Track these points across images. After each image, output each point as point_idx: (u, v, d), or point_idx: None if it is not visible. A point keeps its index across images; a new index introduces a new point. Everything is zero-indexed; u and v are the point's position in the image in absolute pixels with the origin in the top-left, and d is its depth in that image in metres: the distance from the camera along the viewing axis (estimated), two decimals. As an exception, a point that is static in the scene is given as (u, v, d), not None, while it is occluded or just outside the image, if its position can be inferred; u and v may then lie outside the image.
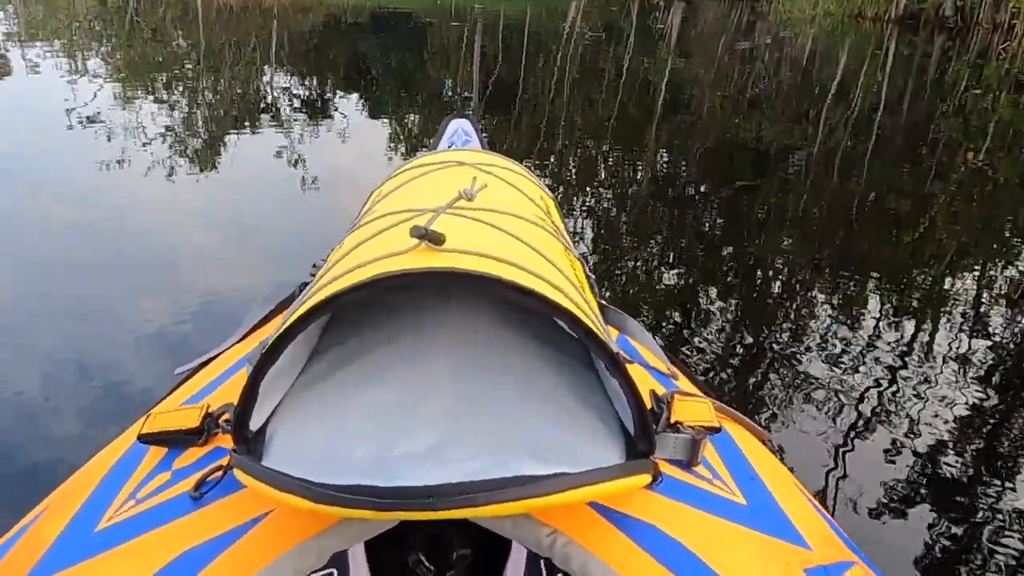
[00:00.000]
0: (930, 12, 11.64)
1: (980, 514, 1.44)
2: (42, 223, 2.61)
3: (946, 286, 2.59)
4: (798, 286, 2.54)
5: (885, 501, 1.44)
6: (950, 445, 1.63)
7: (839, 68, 7.73)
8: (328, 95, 5.33)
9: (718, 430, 0.67)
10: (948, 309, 2.39)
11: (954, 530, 1.38)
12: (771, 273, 2.66)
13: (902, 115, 5.64)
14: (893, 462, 1.56)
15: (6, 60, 5.47)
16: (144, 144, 3.60)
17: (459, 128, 1.81)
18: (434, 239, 0.57)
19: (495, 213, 0.73)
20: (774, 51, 8.99)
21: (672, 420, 0.65)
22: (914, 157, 4.40)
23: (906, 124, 5.34)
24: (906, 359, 2.02)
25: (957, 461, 1.58)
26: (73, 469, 0.70)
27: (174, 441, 0.65)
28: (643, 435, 0.57)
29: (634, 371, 0.76)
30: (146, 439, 0.65)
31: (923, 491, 1.48)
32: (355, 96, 5.31)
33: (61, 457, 1.42)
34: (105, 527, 0.57)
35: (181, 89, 5.06)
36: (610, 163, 4.07)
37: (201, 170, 3.30)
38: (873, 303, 2.40)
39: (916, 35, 10.75)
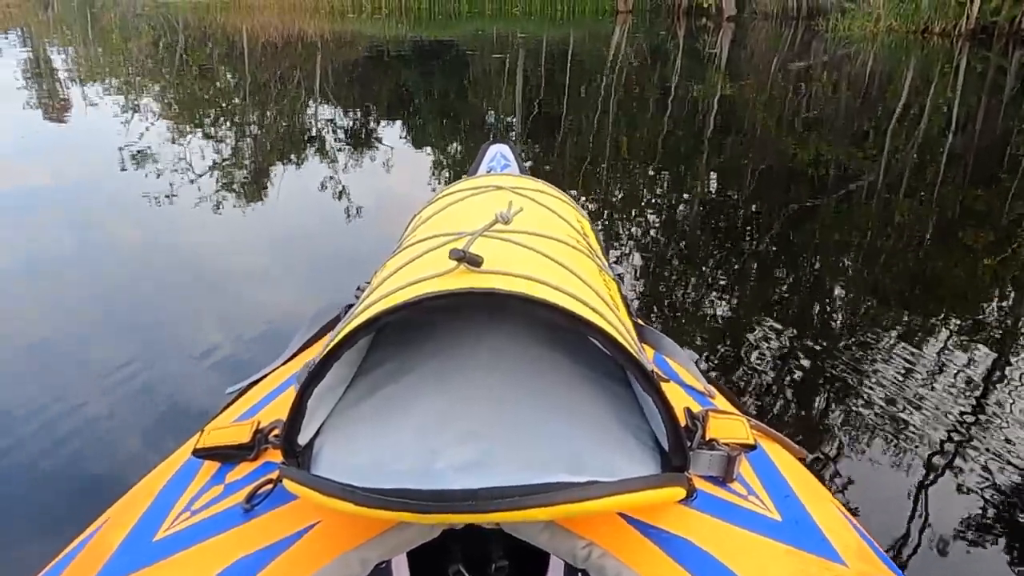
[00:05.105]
0: (1004, 25, 10.94)
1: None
2: (104, 251, 2.76)
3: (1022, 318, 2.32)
4: (856, 314, 2.33)
5: (929, 526, 1.40)
6: (1007, 483, 1.52)
7: (904, 87, 7.26)
8: (372, 125, 5.37)
9: (753, 447, 0.67)
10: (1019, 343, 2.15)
11: (1002, 561, 1.33)
12: (827, 300, 2.45)
13: (975, 135, 5.18)
14: (944, 491, 1.50)
15: (67, 100, 5.69)
16: (196, 176, 3.71)
17: (498, 153, 1.80)
18: (472, 261, 0.59)
19: (531, 235, 0.74)
20: (832, 71, 8.54)
21: (707, 437, 0.66)
22: (990, 179, 4.00)
23: (980, 145, 4.89)
24: (972, 394, 1.85)
25: (1011, 500, 1.48)
26: (133, 482, 0.73)
27: (227, 456, 0.68)
28: (677, 450, 0.58)
29: (669, 389, 0.78)
30: (200, 454, 0.68)
31: (970, 521, 1.42)
32: (398, 126, 5.35)
33: (121, 468, 1.50)
34: (162, 537, 0.60)
35: (229, 124, 5.22)
36: (657, 189, 3.87)
37: (251, 200, 3.41)
38: (940, 334, 2.19)
39: (989, 50, 10.10)
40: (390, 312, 0.55)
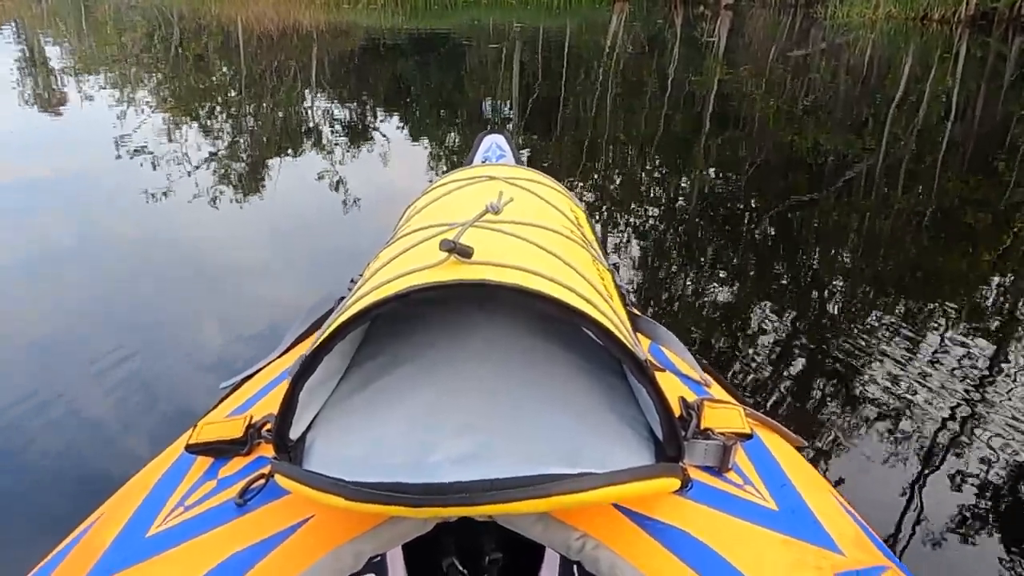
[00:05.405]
0: (1004, 11, 10.88)
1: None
2: (100, 243, 2.74)
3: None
4: (854, 302, 2.33)
5: (926, 514, 1.40)
6: (1004, 472, 1.53)
7: (903, 74, 7.22)
8: (369, 117, 5.34)
9: (749, 436, 0.67)
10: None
11: (998, 548, 1.34)
12: (826, 289, 2.44)
13: (975, 123, 5.16)
14: (941, 480, 1.50)
15: (62, 92, 5.67)
16: (192, 169, 3.68)
17: (493, 143, 1.79)
18: (462, 252, 0.58)
19: (522, 225, 0.74)
20: (830, 58, 8.50)
21: (702, 426, 0.66)
22: (990, 167, 3.99)
23: (980, 132, 4.87)
24: (970, 383, 1.84)
25: (1008, 489, 1.49)
26: (126, 478, 0.73)
27: (220, 451, 0.68)
28: (671, 440, 0.57)
29: (665, 379, 0.78)
30: (193, 449, 0.68)
31: (967, 509, 1.42)
32: (395, 117, 5.30)
33: (115, 464, 1.50)
34: (155, 533, 0.60)
35: (226, 116, 5.18)
36: (655, 178, 3.87)
37: (248, 192, 3.38)
38: (938, 323, 2.19)
39: (989, 36, 10.05)
40: (378, 305, 0.54)
